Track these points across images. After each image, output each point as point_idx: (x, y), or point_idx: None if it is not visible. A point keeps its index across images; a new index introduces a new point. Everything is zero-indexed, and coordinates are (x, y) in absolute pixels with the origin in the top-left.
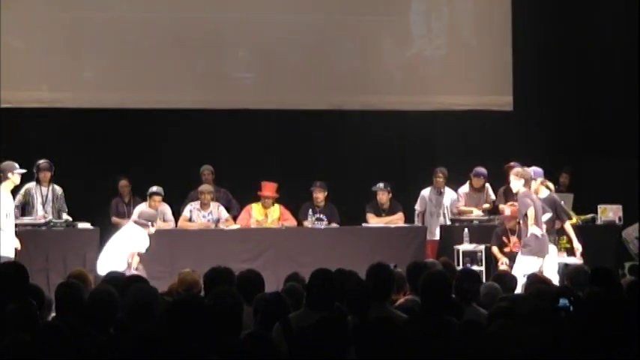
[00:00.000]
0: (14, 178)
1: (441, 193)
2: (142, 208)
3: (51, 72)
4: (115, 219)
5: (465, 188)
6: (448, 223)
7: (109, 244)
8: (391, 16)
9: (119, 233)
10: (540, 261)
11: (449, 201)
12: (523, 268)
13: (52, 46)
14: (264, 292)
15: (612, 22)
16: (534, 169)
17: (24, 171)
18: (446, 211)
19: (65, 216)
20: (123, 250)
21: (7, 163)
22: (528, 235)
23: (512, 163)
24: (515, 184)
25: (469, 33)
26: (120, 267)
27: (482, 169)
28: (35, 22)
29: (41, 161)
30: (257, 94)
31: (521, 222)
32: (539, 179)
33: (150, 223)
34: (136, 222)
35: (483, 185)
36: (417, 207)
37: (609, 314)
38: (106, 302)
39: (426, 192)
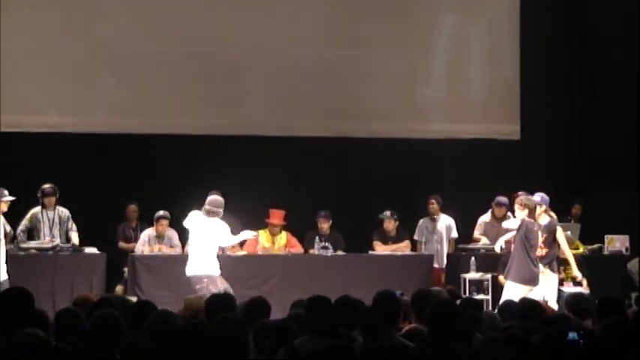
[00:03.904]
0: (2, 205)
1: (434, 220)
2: (148, 232)
3: (58, 97)
4: (121, 244)
5: (485, 217)
6: (445, 249)
7: (194, 245)
8: (399, 45)
9: (198, 231)
10: (526, 289)
11: (444, 227)
12: (507, 294)
13: (60, 70)
14: (269, 318)
15: (622, 51)
16: (542, 196)
17: (12, 198)
18: (443, 238)
19: (74, 236)
20: (211, 247)
21: None
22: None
23: (519, 193)
24: (520, 214)
25: (477, 61)
26: (212, 265)
27: (504, 199)
28: (44, 46)
29: (45, 186)
30: (265, 121)
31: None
32: (544, 206)
33: (222, 211)
34: (209, 212)
35: (505, 214)
36: (416, 237)
37: (621, 347)
38: (111, 326)
39: (422, 221)
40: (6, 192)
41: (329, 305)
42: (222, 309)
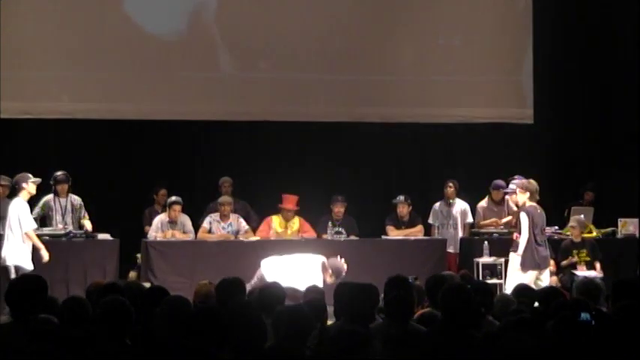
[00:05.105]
0: (30, 187)
1: (450, 205)
2: (161, 218)
3: (71, 83)
4: (148, 228)
5: (483, 203)
6: (460, 234)
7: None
8: (412, 28)
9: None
10: (531, 274)
11: (459, 212)
12: (513, 282)
13: (72, 56)
14: (284, 304)
15: (634, 34)
16: (517, 181)
17: (39, 180)
18: (458, 222)
19: (88, 224)
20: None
21: (21, 175)
22: (521, 249)
23: (515, 177)
24: (521, 197)
25: (490, 46)
26: None
27: (501, 182)
28: (56, 33)
29: (58, 173)
30: (278, 106)
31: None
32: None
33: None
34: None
35: (503, 198)
36: (430, 220)
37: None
38: (118, 312)
39: (437, 205)
40: (30, 175)
41: (370, 292)
42: (232, 294)
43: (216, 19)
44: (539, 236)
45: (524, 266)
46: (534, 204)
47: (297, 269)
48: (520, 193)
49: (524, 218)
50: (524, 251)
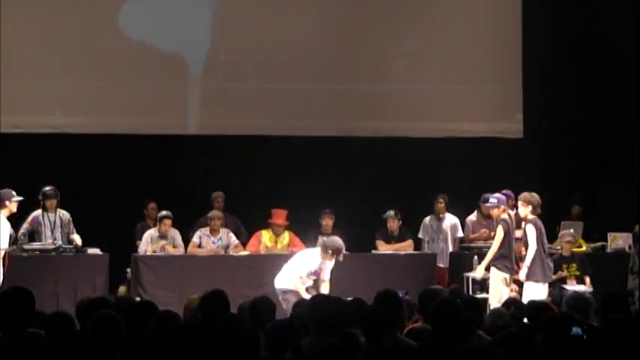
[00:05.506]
0: (12, 206)
1: (440, 219)
2: (151, 232)
3: (63, 97)
4: (139, 242)
5: (472, 217)
6: (450, 249)
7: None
8: (403, 43)
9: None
10: (544, 287)
11: (449, 226)
12: (530, 295)
13: (64, 70)
14: (274, 318)
15: (626, 47)
16: (499, 197)
17: (21, 198)
18: (448, 237)
19: (77, 238)
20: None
21: (5, 191)
22: (528, 261)
23: (504, 191)
24: (523, 210)
25: (480, 60)
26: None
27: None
28: (48, 47)
29: (47, 188)
30: (268, 121)
31: (523, 249)
32: (502, 207)
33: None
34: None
35: None
36: (420, 235)
37: (627, 343)
38: (108, 326)
39: (427, 219)
40: (14, 192)
41: (333, 304)
42: (216, 307)
43: (208, 32)
44: (545, 248)
45: (532, 278)
46: (535, 217)
47: (299, 262)
48: (522, 206)
49: (530, 230)
50: (531, 263)
